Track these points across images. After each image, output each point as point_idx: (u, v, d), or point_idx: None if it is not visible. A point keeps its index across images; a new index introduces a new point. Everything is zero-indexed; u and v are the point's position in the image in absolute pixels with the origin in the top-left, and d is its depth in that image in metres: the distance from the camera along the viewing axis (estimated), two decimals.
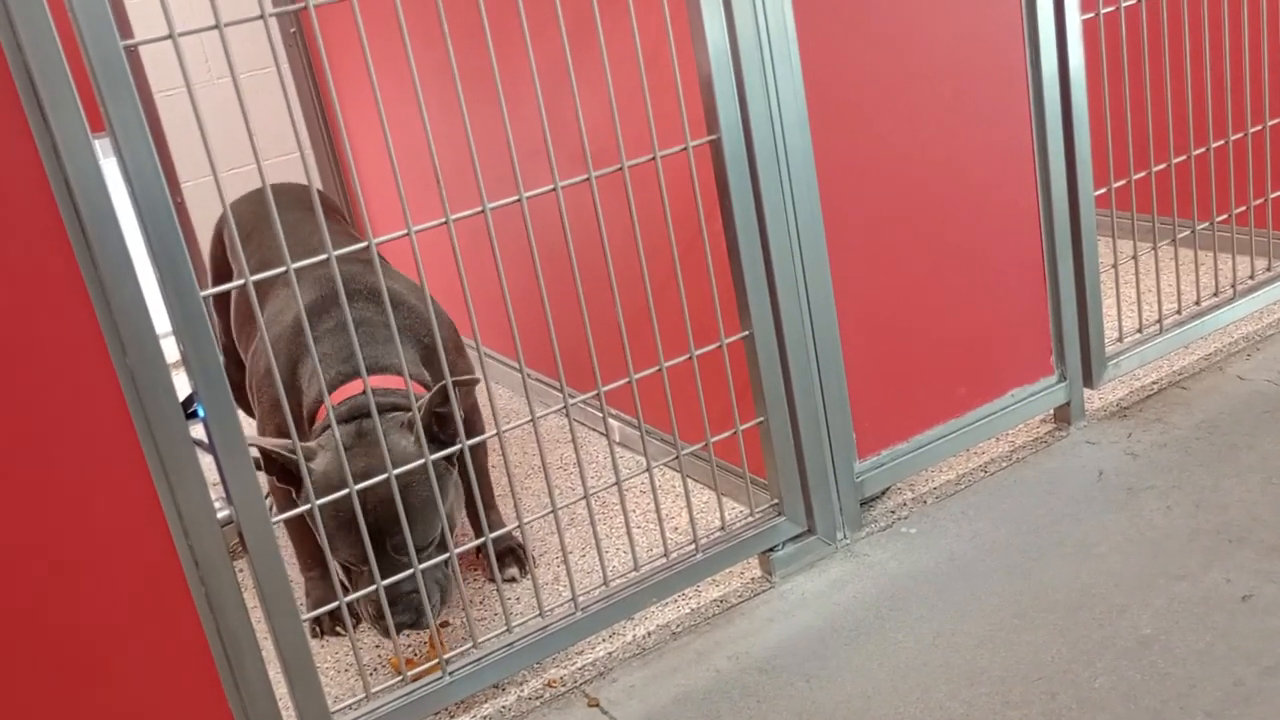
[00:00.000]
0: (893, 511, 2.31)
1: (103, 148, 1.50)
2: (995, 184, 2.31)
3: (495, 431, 1.89)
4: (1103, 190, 2.41)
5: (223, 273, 2.71)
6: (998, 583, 2.04)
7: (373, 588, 1.82)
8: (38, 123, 1.45)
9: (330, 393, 1.99)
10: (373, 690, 1.86)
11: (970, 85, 2.23)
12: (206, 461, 1.69)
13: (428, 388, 2.06)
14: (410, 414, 1.90)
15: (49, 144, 1.46)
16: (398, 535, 1.83)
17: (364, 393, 1.90)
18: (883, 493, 2.34)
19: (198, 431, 1.69)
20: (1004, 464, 2.42)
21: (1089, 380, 2.49)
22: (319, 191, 2.56)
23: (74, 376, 1.53)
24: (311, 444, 1.91)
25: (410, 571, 1.83)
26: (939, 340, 2.31)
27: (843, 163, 2.12)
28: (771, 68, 1.98)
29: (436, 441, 1.91)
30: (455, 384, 1.86)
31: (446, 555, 1.88)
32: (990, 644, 1.89)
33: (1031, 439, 2.48)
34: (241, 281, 1.65)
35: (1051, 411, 2.51)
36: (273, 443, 1.86)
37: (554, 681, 1.99)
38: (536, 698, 1.97)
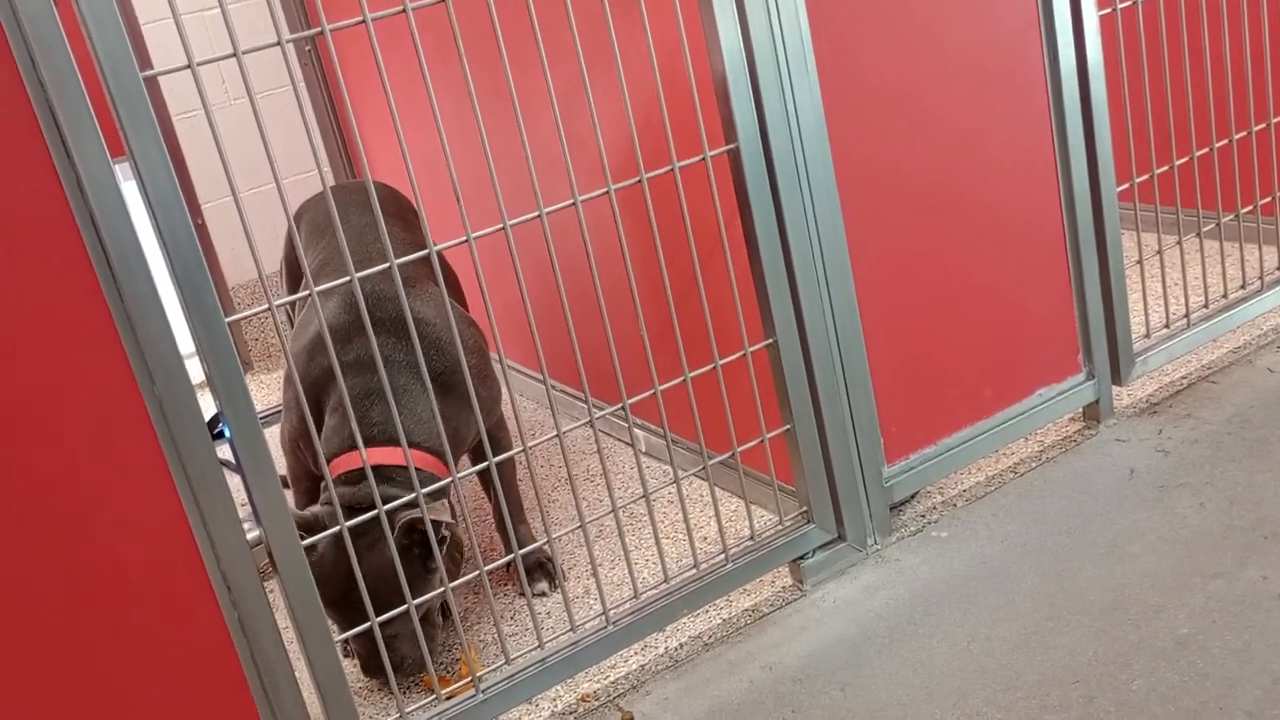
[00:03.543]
0: (922, 516, 2.30)
1: (122, 171, 1.51)
2: (1016, 182, 2.29)
3: (521, 448, 1.89)
4: (1125, 185, 2.39)
5: (295, 272, 2.72)
6: (1031, 585, 2.03)
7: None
8: (61, 157, 1.46)
9: (336, 457, 2.04)
10: (407, 710, 1.86)
11: (988, 84, 2.22)
12: (234, 482, 1.69)
13: (439, 455, 2.06)
14: (404, 517, 1.90)
15: (72, 178, 1.47)
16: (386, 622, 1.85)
17: (363, 471, 1.94)
18: (912, 497, 2.33)
19: (224, 452, 1.69)
20: (1033, 464, 2.41)
21: (1117, 377, 2.48)
22: (395, 193, 2.57)
23: (103, 408, 1.54)
24: (315, 514, 1.94)
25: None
26: (964, 342, 2.30)
27: (862, 166, 2.11)
28: (788, 74, 1.97)
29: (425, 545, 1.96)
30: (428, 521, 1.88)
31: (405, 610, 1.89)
32: (1025, 648, 1.88)
33: (1060, 438, 2.47)
34: (289, 298, 1.65)
35: (1080, 410, 2.49)
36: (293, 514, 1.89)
37: (587, 696, 1.98)
38: (570, 713, 1.97)
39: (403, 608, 1.82)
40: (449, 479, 1.87)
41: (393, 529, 1.85)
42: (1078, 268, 2.38)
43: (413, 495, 1.82)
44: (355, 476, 2.00)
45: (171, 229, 1.54)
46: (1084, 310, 2.41)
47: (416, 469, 1.98)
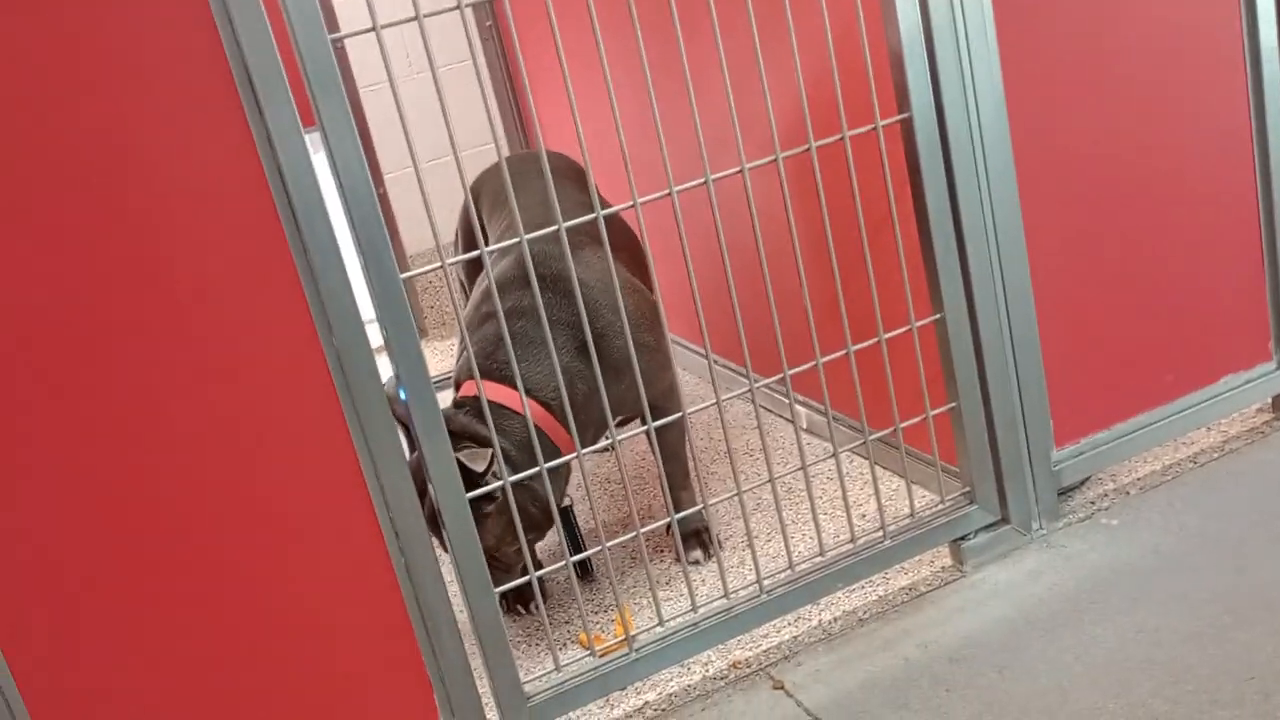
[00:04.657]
0: (1092, 502, 2.22)
1: (311, 144, 1.58)
2: (1208, 160, 2.19)
3: (679, 414, 1.91)
4: None
5: (470, 243, 2.81)
6: (1207, 579, 1.94)
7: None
8: (254, 116, 1.55)
9: (465, 381, 2.16)
10: (562, 664, 1.91)
11: (1180, 56, 2.12)
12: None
13: (550, 408, 2.11)
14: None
15: (264, 136, 1.55)
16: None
17: (477, 398, 2.01)
18: (1082, 482, 2.25)
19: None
20: (1215, 455, 2.30)
21: None
22: (575, 162, 2.63)
23: (287, 353, 1.63)
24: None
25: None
26: (1144, 324, 2.21)
27: (1041, 139, 2.04)
28: (966, 45, 1.92)
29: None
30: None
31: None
32: (1198, 641, 1.80)
33: (1246, 429, 2.35)
34: (461, 258, 1.71)
35: (1269, 400, 2.36)
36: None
37: (739, 663, 1.99)
38: (721, 678, 1.98)
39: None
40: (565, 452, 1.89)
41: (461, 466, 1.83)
42: (1272, 252, 2.26)
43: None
44: (466, 403, 2.11)
45: (354, 191, 1.61)
46: (1277, 296, 2.28)
47: (520, 416, 2.04)
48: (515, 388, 2.03)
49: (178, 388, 1.59)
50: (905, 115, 1.93)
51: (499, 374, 2.11)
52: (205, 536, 1.65)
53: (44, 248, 1.49)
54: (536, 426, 2.02)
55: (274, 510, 1.68)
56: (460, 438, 1.99)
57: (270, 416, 1.65)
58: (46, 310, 1.51)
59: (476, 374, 1.84)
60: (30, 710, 1.59)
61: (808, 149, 1.88)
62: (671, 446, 2.34)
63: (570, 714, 1.94)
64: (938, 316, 2.03)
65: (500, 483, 1.82)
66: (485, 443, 1.95)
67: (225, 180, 1.56)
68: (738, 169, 1.85)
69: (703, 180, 1.84)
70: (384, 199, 3.53)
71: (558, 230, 1.77)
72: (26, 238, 1.48)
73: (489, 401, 1.96)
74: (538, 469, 1.82)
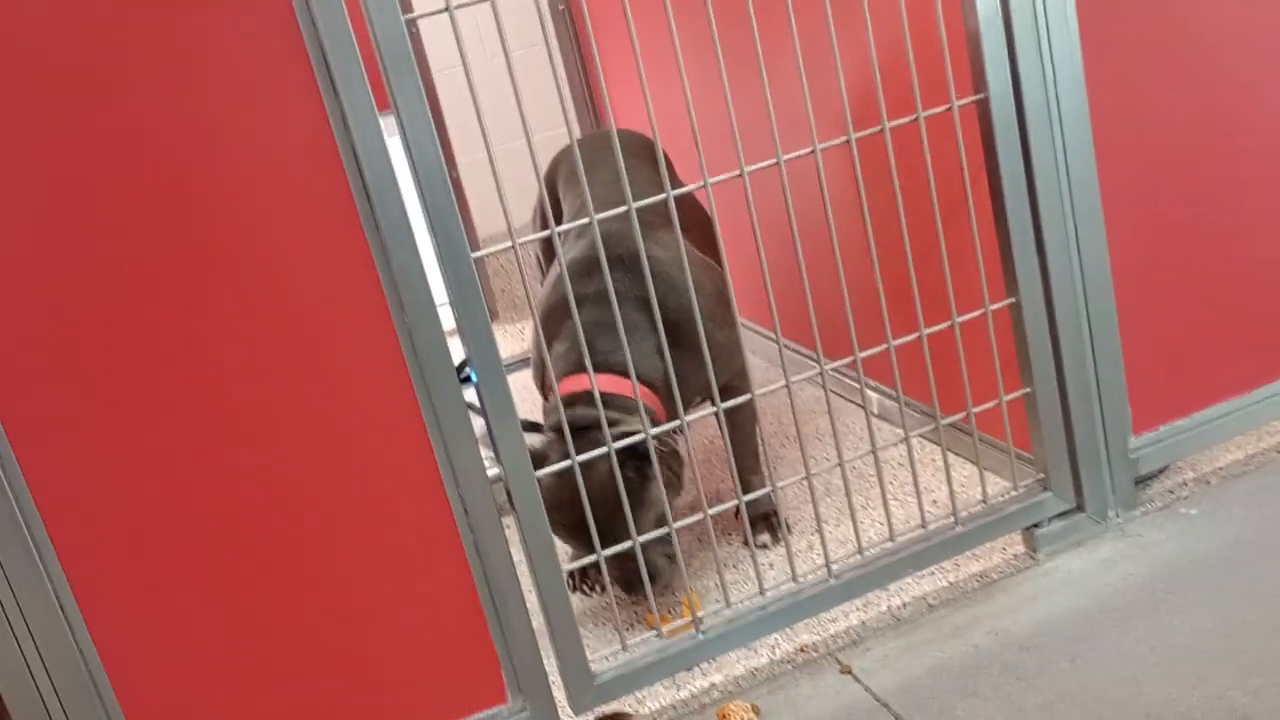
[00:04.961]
0: (1171, 491, 2.17)
1: (386, 128, 1.60)
2: None
3: (751, 394, 1.90)
4: None
5: (546, 224, 2.82)
6: None
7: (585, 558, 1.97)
8: (330, 98, 1.57)
9: (563, 378, 2.13)
10: (629, 643, 1.91)
11: (1270, 36, 2.06)
12: (477, 423, 1.77)
13: (656, 390, 2.11)
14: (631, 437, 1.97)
15: (339, 117, 1.57)
16: (609, 538, 1.92)
17: (589, 394, 2.00)
18: (1160, 471, 2.20)
19: (470, 395, 1.78)
20: None
21: None
22: (650, 142, 2.63)
23: (360, 331, 1.65)
24: (544, 442, 2.06)
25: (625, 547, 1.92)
26: (1228, 311, 2.15)
27: (1122, 120, 2.00)
28: (1045, 22, 1.89)
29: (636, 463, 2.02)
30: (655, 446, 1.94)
31: (665, 532, 1.93)
32: None
33: None
34: (532, 236, 1.72)
35: None
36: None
37: (806, 646, 1.99)
38: (788, 661, 1.98)
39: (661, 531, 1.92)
40: (664, 419, 1.90)
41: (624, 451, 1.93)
42: None
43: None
44: (576, 400, 2.08)
45: (427, 171, 1.63)
46: None
47: (634, 400, 2.03)
48: (623, 375, 2.05)
49: (254, 364, 1.62)
50: (982, 95, 1.90)
51: (604, 364, 2.10)
52: (277, 511, 1.68)
53: (126, 222, 1.53)
54: (647, 407, 2.07)
55: (347, 487, 1.71)
56: (586, 429, 1.99)
57: (343, 394, 1.67)
58: (127, 283, 1.55)
59: (590, 368, 1.88)
60: (111, 677, 1.63)
61: (881, 129, 1.86)
62: (742, 429, 2.33)
63: (636, 693, 1.95)
64: (1012, 300, 2.00)
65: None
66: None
67: (301, 160, 1.59)
68: (810, 149, 1.84)
69: (774, 161, 1.83)
70: (456, 182, 3.56)
71: (629, 210, 1.77)
72: (111, 211, 1.52)
73: (604, 393, 1.98)
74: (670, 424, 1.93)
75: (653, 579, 2.02)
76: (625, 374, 2.03)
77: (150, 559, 1.63)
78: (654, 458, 1.94)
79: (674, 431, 2.03)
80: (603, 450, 1.86)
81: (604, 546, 1.88)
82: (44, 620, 1.58)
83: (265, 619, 1.71)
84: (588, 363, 1.91)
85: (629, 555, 1.96)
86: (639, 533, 1.92)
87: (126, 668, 1.64)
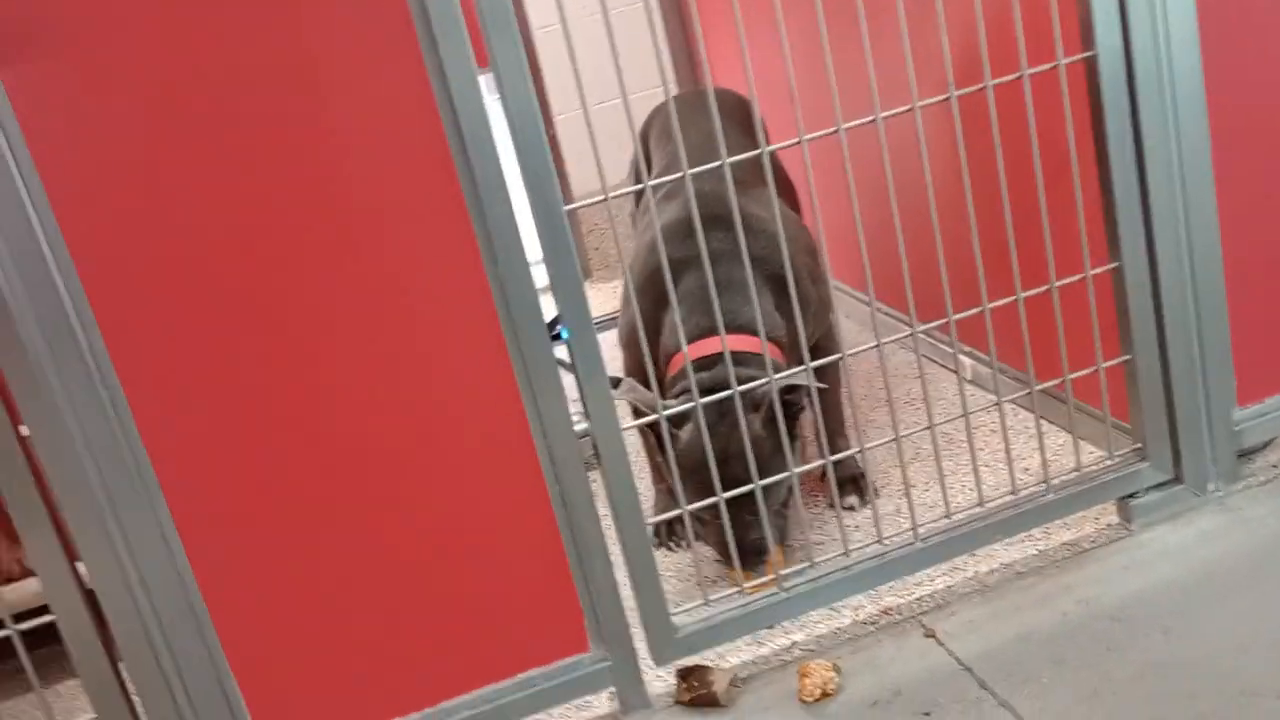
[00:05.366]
0: (1275, 466, 2.11)
1: (485, 85, 1.61)
2: None
3: (840, 355, 1.89)
4: None
5: (638, 178, 2.82)
6: None
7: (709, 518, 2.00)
8: (430, 54, 1.58)
9: (688, 343, 2.06)
10: (711, 598, 1.92)
11: None
12: (566, 380, 1.79)
13: (781, 346, 2.10)
14: (760, 391, 1.97)
15: (439, 73, 1.59)
16: (748, 503, 1.92)
17: (720, 355, 1.99)
18: (1265, 444, 2.14)
19: (560, 353, 1.79)
20: None
21: None
22: (745, 101, 2.62)
23: (454, 281, 1.68)
24: (674, 408, 1.98)
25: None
26: None
27: (1238, 81, 1.93)
28: None
29: (787, 411, 2.00)
30: (809, 380, 1.94)
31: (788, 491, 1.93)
32: None
33: None
34: (625, 190, 1.72)
35: None
36: (642, 399, 1.99)
37: (890, 609, 1.98)
38: (871, 623, 1.97)
39: (783, 474, 1.94)
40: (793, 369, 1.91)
41: (757, 407, 1.97)
42: None
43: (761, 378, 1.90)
44: (706, 363, 2.06)
45: (524, 130, 1.64)
46: None
47: (764, 357, 2.00)
48: (752, 333, 2.03)
49: (355, 311, 1.66)
50: (1090, 53, 1.85)
51: (731, 324, 2.07)
52: (373, 457, 1.72)
53: (236, 171, 1.57)
54: (777, 364, 2.07)
55: (440, 436, 1.74)
56: (714, 388, 1.96)
57: (437, 345, 1.70)
58: (235, 228, 1.59)
59: (722, 331, 1.89)
60: (215, 620, 1.69)
61: (984, 87, 1.82)
62: (832, 389, 2.31)
63: (717, 649, 1.96)
64: (1115, 265, 1.95)
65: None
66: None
67: (401, 116, 1.61)
68: (909, 107, 1.81)
69: (872, 118, 1.80)
70: (553, 140, 3.57)
71: (722, 167, 1.76)
72: (222, 159, 1.56)
73: (737, 352, 1.99)
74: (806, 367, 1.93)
75: (765, 552, 2.01)
76: (753, 332, 2.01)
77: (253, 499, 1.69)
78: (801, 406, 1.96)
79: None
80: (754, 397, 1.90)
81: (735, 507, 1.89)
82: (149, 547, 1.64)
83: (359, 560, 1.75)
84: (719, 323, 1.89)
85: (751, 524, 1.97)
86: (767, 499, 1.92)
87: (224, 598, 1.70)
